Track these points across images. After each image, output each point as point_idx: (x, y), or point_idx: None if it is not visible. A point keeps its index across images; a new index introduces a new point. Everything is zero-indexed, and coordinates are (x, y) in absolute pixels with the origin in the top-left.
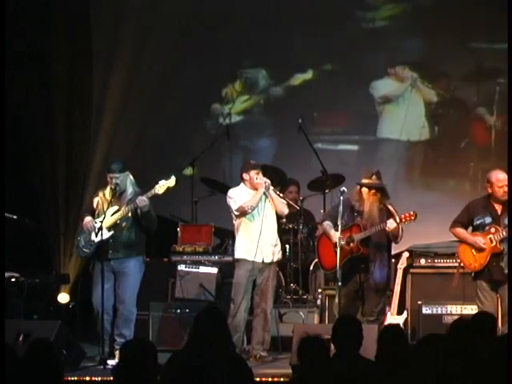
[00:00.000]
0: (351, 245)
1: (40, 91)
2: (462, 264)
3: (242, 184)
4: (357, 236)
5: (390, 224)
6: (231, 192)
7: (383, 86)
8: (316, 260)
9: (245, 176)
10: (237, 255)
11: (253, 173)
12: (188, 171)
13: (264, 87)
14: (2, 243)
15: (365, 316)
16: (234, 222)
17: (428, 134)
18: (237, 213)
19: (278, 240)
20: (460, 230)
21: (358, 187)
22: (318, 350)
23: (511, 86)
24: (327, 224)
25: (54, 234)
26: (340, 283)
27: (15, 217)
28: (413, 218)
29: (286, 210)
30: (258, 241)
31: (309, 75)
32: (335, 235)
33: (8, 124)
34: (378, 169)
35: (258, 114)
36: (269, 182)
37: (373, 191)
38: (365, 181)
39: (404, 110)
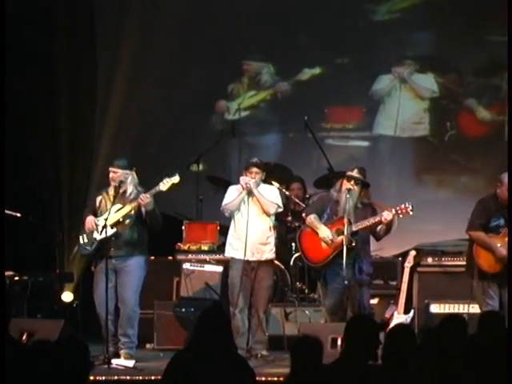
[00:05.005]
0: (342, 237)
1: (43, 91)
2: (481, 267)
3: None
4: (350, 227)
5: (387, 216)
6: (228, 189)
7: (378, 82)
8: (298, 254)
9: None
10: (226, 253)
11: (244, 172)
12: (195, 168)
13: (271, 83)
14: (2, 243)
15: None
16: None
17: (427, 130)
18: (221, 211)
19: (271, 239)
20: (482, 235)
21: (341, 179)
22: (311, 351)
23: (511, 85)
24: (315, 217)
25: (57, 231)
26: (346, 282)
27: (18, 214)
28: (409, 209)
29: (271, 210)
30: (245, 239)
31: (317, 70)
32: (322, 231)
33: (11, 123)
34: (388, 165)
35: (266, 110)
36: (251, 184)
37: (351, 182)
38: (347, 173)
39: (396, 107)
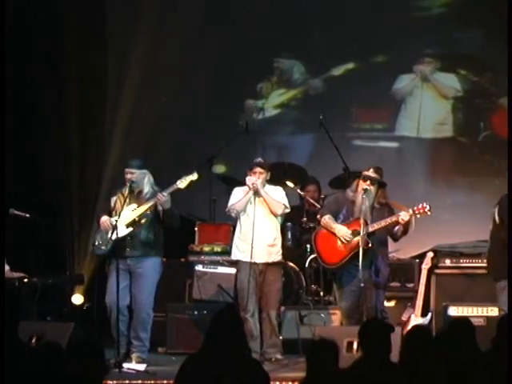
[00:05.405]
0: (358, 238)
1: (54, 91)
2: None
3: None
4: (366, 228)
5: (404, 216)
6: (233, 190)
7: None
8: (313, 256)
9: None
10: (233, 256)
11: (248, 173)
12: (219, 169)
13: (300, 80)
14: (2, 242)
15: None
16: None
17: (454, 130)
18: (228, 212)
19: (278, 241)
20: None
21: (357, 179)
22: (327, 355)
23: (511, 85)
24: (330, 218)
25: (67, 232)
26: (362, 284)
27: (28, 215)
28: (426, 209)
29: (279, 211)
30: (251, 241)
31: (350, 65)
32: (339, 229)
33: (22, 123)
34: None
35: (294, 108)
36: (257, 183)
37: (367, 182)
38: (363, 173)
39: (417, 107)
